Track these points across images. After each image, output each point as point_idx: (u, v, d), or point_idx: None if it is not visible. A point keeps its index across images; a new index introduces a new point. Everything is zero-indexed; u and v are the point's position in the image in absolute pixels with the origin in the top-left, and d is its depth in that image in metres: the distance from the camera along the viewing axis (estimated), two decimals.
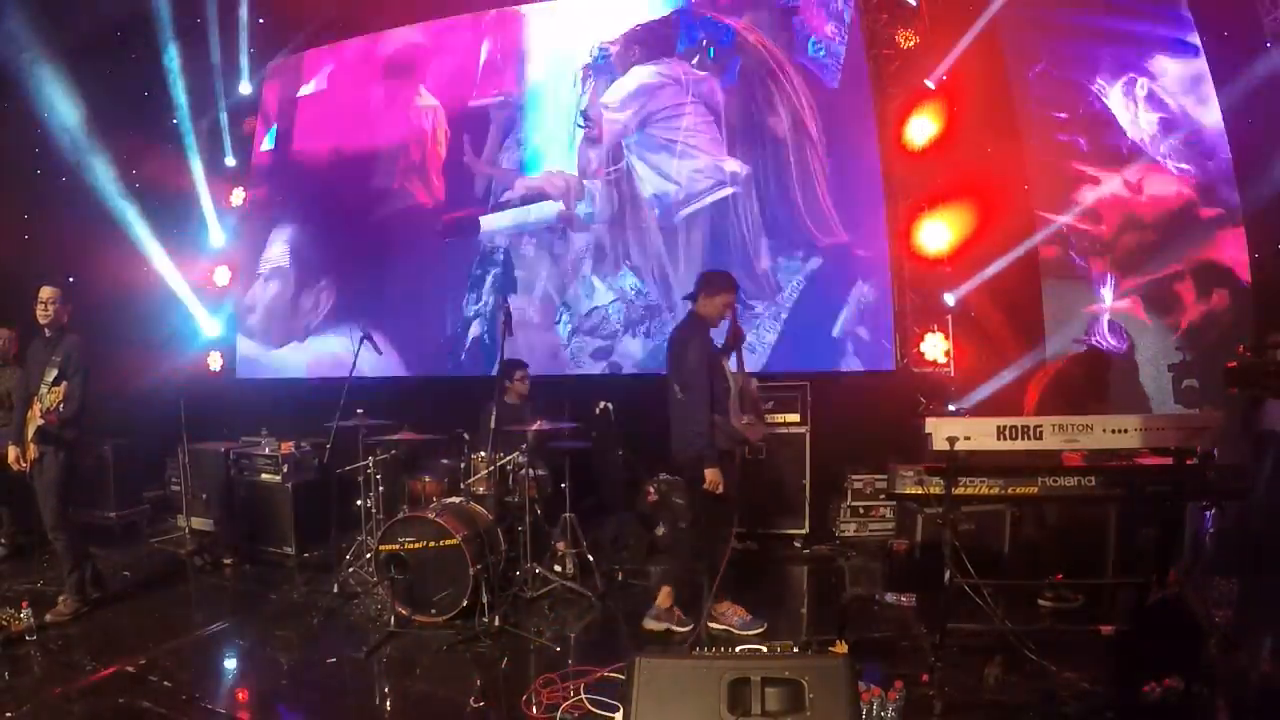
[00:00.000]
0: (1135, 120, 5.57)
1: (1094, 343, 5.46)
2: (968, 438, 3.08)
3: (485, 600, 3.90)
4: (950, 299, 5.71)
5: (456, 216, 7.10)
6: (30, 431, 4.02)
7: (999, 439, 3.11)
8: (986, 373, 5.51)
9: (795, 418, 5.38)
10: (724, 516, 3.89)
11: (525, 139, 6.91)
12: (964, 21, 5.58)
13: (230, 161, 7.84)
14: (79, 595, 4.25)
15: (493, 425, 4.34)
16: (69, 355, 4.03)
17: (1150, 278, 5.53)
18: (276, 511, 5.45)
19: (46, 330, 4.15)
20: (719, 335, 3.99)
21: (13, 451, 4.10)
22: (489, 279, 6.97)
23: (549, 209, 6.77)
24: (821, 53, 6.05)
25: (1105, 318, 5.56)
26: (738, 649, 2.63)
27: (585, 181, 6.66)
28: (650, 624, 3.96)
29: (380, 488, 4.69)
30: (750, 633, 3.86)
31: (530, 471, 4.56)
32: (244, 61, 7.59)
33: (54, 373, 3.95)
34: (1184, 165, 5.48)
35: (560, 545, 4.70)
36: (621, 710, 2.32)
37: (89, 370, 4.13)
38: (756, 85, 6.20)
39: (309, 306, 7.67)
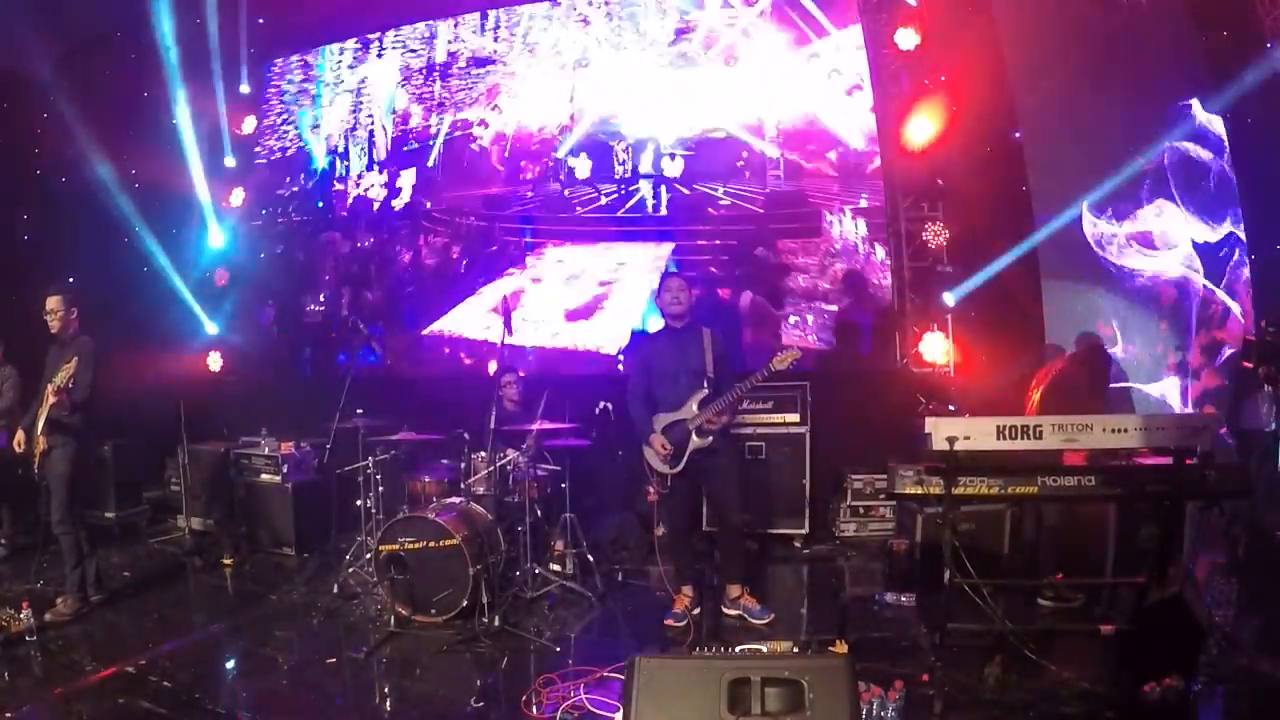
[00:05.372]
0: None
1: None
2: (968, 437, 3.07)
3: (485, 600, 3.89)
4: (950, 299, 5.70)
5: None
6: (41, 424, 4.11)
7: (999, 438, 3.10)
8: (986, 373, 5.50)
9: (795, 418, 5.35)
10: (671, 509, 4.16)
11: None
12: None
13: (230, 161, 7.83)
14: (79, 594, 4.26)
15: (492, 425, 4.33)
16: (79, 355, 4.13)
17: None
18: (276, 511, 5.45)
19: (60, 337, 4.29)
20: None
21: (20, 435, 4.22)
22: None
23: None
24: None
25: None
26: (737, 649, 2.63)
27: None
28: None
29: (380, 488, 4.68)
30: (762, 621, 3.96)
31: (530, 471, 4.56)
32: (244, 61, 7.58)
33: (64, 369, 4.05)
34: None
35: (560, 545, 4.69)
36: (621, 710, 2.32)
37: (97, 367, 4.22)
38: None
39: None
